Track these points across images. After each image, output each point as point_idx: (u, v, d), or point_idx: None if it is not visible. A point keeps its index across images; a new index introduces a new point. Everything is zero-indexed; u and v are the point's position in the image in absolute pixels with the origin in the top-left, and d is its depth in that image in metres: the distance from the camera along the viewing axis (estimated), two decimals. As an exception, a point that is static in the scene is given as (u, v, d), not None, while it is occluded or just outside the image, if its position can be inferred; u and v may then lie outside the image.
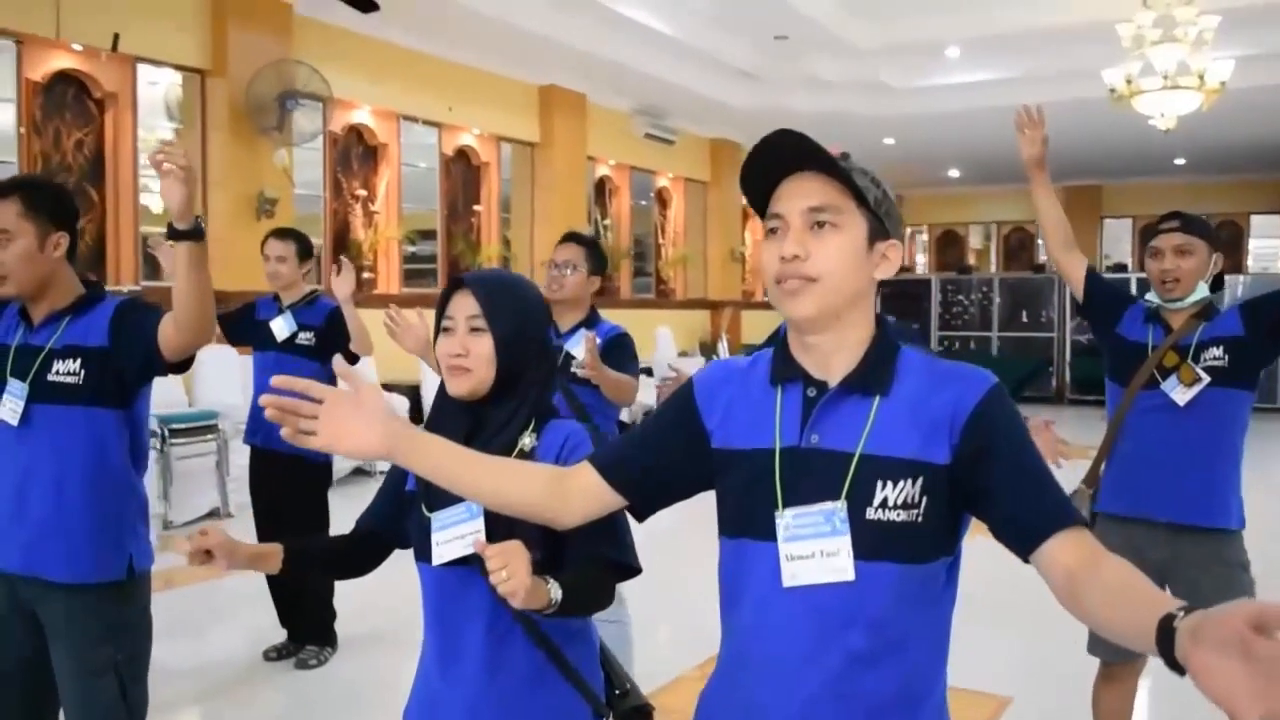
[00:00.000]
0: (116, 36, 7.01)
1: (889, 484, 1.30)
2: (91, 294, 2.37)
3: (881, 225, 1.36)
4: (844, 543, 1.31)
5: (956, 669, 1.50)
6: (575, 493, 1.46)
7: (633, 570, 1.67)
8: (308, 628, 4.35)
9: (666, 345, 12.61)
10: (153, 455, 6.21)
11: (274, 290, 4.20)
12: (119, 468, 2.32)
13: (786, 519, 1.34)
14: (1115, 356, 3.01)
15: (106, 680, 2.26)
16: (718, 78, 12.11)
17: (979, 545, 1.57)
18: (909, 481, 1.30)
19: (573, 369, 3.45)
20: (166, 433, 6.55)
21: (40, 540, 2.28)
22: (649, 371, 12.18)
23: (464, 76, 10.03)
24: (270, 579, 4.31)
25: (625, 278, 13.16)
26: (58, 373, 2.27)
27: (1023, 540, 1.28)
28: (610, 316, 12.25)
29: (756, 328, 14.94)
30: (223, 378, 7.20)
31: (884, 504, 1.30)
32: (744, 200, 11.32)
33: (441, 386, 1.72)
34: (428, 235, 10.45)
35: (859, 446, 1.33)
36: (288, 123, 7.92)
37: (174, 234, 2.09)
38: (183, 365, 2.29)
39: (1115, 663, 2.98)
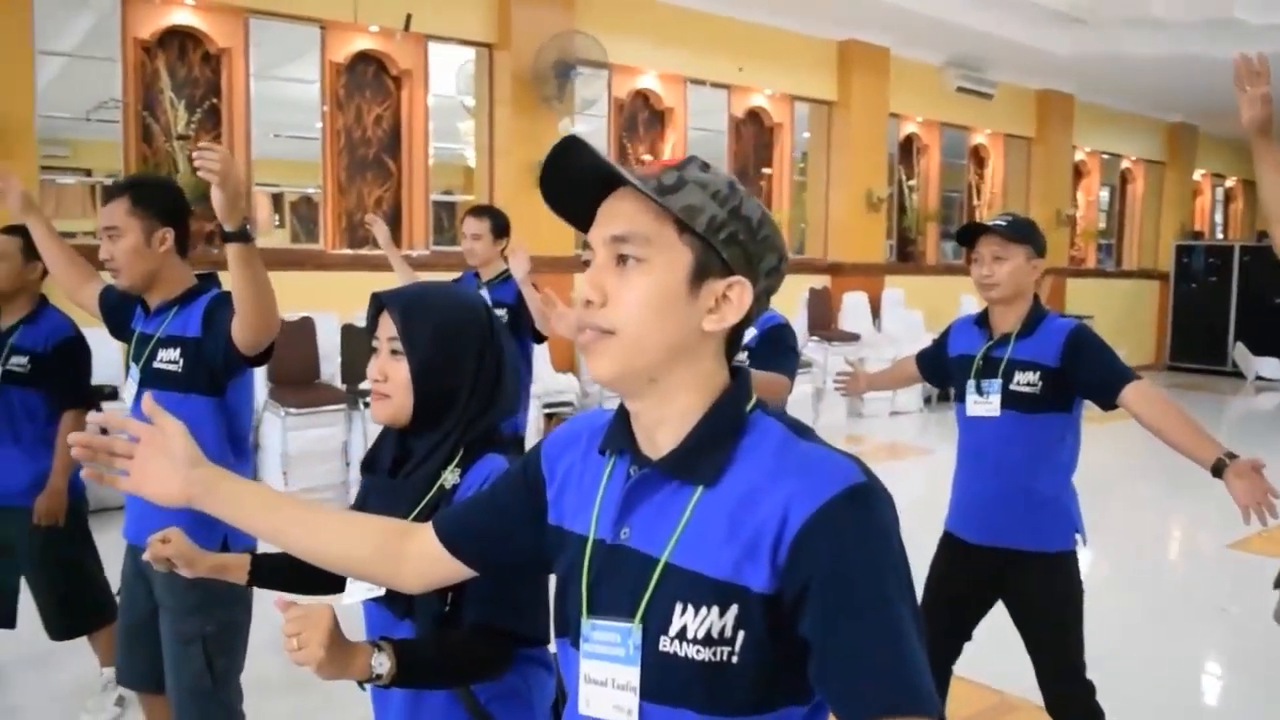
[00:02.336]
0: (409, 17, 7.46)
1: (690, 609, 1.00)
2: (199, 286, 2.50)
3: (717, 257, 1.04)
4: (634, 675, 1.04)
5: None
6: (413, 557, 1.29)
7: (531, 640, 1.51)
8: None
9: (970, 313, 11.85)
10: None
11: (473, 268, 4.32)
12: (215, 454, 2.44)
13: (587, 630, 1.09)
14: None
15: (194, 649, 2.41)
16: (1039, 23, 11.10)
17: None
18: (715, 610, 0.99)
19: None
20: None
21: (145, 514, 2.45)
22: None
23: (755, 36, 9.83)
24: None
25: (931, 242, 12.48)
26: (162, 360, 2.43)
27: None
28: (912, 283, 11.68)
29: (1083, 298, 13.73)
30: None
31: (682, 634, 1.00)
32: (1076, 156, 10.40)
33: None
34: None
35: (665, 552, 1.03)
36: (568, 92, 8.11)
37: (223, 236, 2.14)
38: (260, 358, 2.37)
39: None
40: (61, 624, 3.46)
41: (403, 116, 7.99)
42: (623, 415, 1.14)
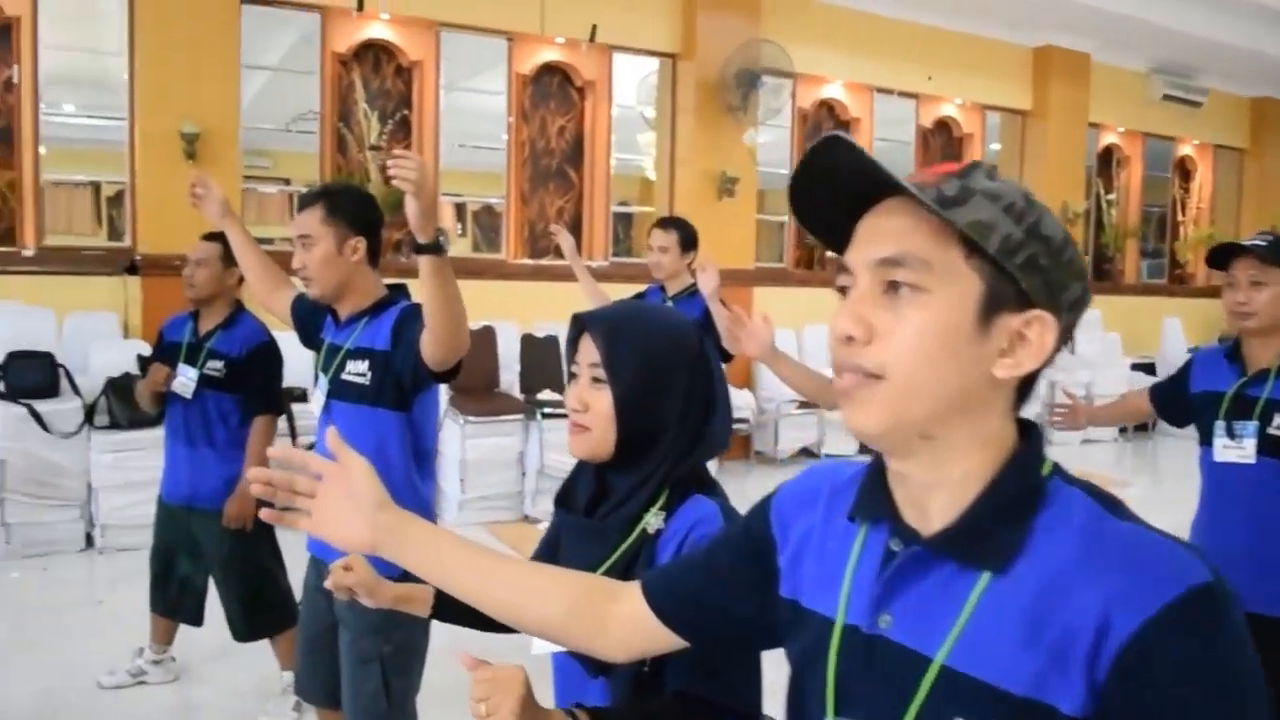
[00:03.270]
0: (594, 28, 7.46)
1: None
2: (389, 298, 2.45)
3: (1013, 287, 0.85)
4: None
5: None
6: (616, 620, 1.12)
7: (741, 716, 1.33)
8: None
9: (1175, 339, 11.06)
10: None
11: (658, 281, 4.19)
12: (400, 468, 2.39)
13: None
14: None
15: (372, 669, 2.35)
16: (1260, 25, 10.29)
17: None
18: None
19: None
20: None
21: None
22: (1151, 369, 10.76)
23: (946, 43, 9.44)
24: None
25: (1131, 259, 11.73)
26: (350, 372, 2.38)
27: None
28: (1109, 304, 11.00)
29: (1300, 321, 12.64)
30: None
31: None
32: None
33: None
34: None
35: (941, 652, 0.84)
36: (752, 101, 7.95)
37: (415, 248, 2.06)
38: (448, 375, 2.28)
39: None
40: (244, 626, 3.50)
41: (585, 127, 8.00)
42: (877, 475, 0.94)
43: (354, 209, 2.42)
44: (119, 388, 5.46)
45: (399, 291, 2.49)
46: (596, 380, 1.40)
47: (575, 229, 8.02)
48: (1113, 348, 10.67)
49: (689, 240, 4.12)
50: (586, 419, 1.40)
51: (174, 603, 3.63)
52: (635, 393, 1.38)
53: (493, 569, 1.17)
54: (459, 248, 9.09)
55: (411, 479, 2.42)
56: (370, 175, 6.99)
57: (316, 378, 2.51)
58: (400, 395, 2.36)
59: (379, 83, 7.18)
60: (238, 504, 3.33)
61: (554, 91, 7.90)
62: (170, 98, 6.10)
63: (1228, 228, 12.46)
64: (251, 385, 3.41)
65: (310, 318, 2.67)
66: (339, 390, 2.40)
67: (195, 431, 3.41)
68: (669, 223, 4.15)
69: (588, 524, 1.43)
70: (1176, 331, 11.20)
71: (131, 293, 6.26)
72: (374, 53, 7.15)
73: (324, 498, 1.17)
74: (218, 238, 3.39)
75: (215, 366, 3.39)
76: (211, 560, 3.47)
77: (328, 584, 1.58)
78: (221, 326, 3.43)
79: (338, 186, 2.51)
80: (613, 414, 1.38)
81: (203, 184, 2.81)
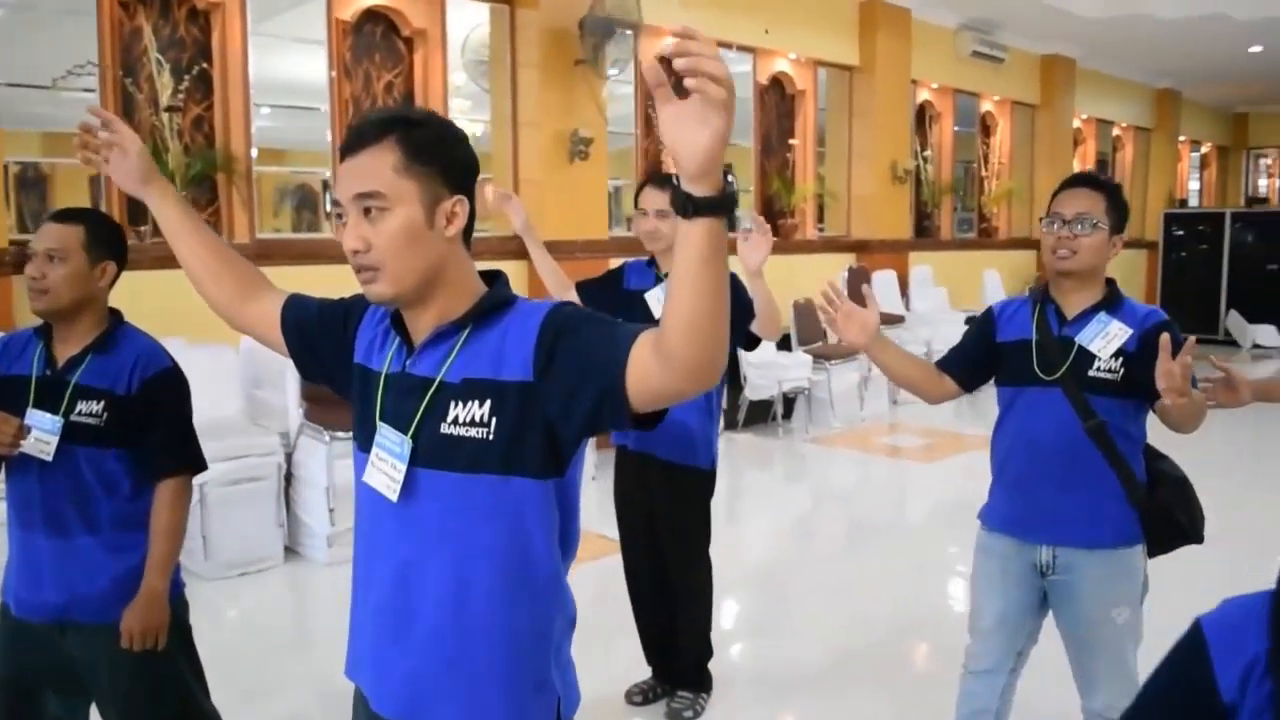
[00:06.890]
0: (426, -35, 6.40)
1: None
2: (498, 295, 1.49)
3: None
4: None
5: None
6: None
7: None
8: (680, 668, 3.53)
9: (995, 291, 11.14)
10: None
11: (650, 253, 3.33)
12: (545, 570, 1.46)
13: None
14: None
15: None
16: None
17: None
18: None
19: (1092, 372, 2.46)
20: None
21: (426, 671, 1.45)
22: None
23: (780, -8, 8.94)
24: (636, 604, 3.53)
25: (946, 216, 11.74)
26: (454, 421, 1.42)
27: None
28: (931, 260, 10.88)
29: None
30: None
31: None
32: (1075, 123, 9.79)
33: None
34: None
35: None
36: (601, 54, 7.12)
37: (687, 204, 1.15)
38: (652, 418, 1.37)
39: None
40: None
41: (417, 84, 6.90)
42: None
43: (444, 153, 1.44)
44: None
45: (499, 283, 1.53)
46: None
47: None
48: (942, 303, 10.63)
49: (690, 202, 3.26)
50: None
51: (35, 758, 2.46)
52: None
53: None
54: (281, 225, 7.67)
55: (559, 584, 1.49)
56: (167, 144, 5.66)
57: (368, 430, 1.53)
58: (550, 452, 1.41)
59: (169, 30, 5.82)
60: (144, 611, 2.22)
61: (378, 42, 6.74)
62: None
63: (1024, 180, 12.75)
64: (149, 434, 2.30)
65: (324, 333, 1.66)
66: (435, 452, 1.43)
67: (63, 510, 2.25)
68: (666, 181, 3.26)
69: None
70: (996, 285, 11.30)
71: None
72: (161, -8, 5.79)
73: None
74: (78, 217, 2.29)
75: (90, 410, 2.24)
76: (102, 695, 2.33)
77: None
78: (94, 349, 2.29)
79: (419, 113, 1.47)
80: None
81: (108, 122, 1.76)
